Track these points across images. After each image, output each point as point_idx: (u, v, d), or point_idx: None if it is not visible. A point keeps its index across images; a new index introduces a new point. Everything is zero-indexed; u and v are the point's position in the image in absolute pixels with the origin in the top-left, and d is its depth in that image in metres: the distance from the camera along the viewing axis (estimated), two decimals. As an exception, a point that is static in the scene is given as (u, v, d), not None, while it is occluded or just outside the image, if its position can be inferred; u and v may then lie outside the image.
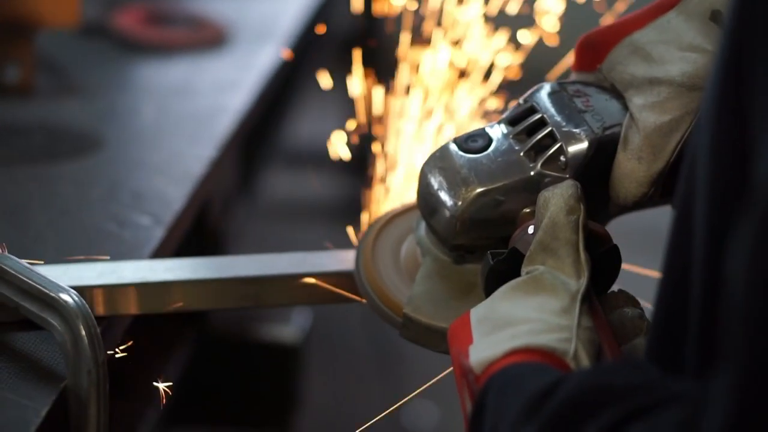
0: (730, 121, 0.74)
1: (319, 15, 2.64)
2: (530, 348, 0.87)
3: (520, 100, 1.10)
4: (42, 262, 1.17)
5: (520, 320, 0.89)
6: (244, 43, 2.18)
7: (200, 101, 1.86)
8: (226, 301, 1.16)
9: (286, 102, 2.56)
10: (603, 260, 0.98)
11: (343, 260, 1.17)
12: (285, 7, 2.46)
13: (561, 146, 1.05)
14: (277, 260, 1.18)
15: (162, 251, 1.34)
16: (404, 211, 1.17)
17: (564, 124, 1.05)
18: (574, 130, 1.05)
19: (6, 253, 1.10)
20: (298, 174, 3.81)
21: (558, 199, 0.97)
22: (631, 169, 1.05)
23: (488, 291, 0.97)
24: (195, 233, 1.71)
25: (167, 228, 1.37)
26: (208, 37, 2.17)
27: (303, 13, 2.44)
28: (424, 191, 1.07)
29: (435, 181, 1.06)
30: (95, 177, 1.53)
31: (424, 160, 1.08)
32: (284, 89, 2.48)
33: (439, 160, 1.07)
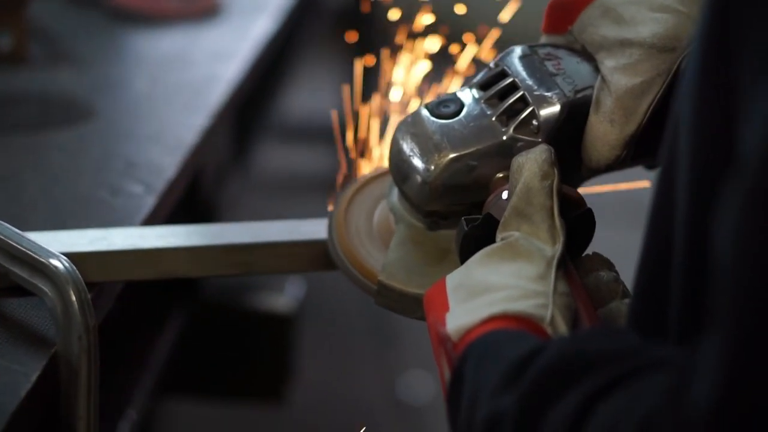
0: (714, 90, 0.74)
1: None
2: (507, 314, 0.87)
3: (491, 64, 1.09)
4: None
5: (496, 287, 0.89)
6: (237, 14, 2.18)
7: (193, 71, 1.85)
8: (217, 268, 1.15)
9: (280, 73, 2.55)
10: (577, 224, 0.98)
11: (335, 228, 1.17)
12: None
13: (533, 110, 1.04)
14: (268, 227, 1.18)
15: (153, 219, 1.34)
16: (375, 177, 1.16)
17: (536, 87, 1.05)
18: (546, 94, 1.05)
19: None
20: (291, 145, 3.81)
21: (532, 164, 0.96)
22: (604, 132, 1.04)
23: (463, 257, 0.97)
24: (187, 203, 1.71)
25: (159, 196, 1.37)
26: (202, 8, 2.16)
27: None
28: (396, 158, 1.06)
29: (407, 148, 1.05)
30: (88, 146, 1.53)
31: (396, 126, 1.07)
32: (278, 60, 2.47)
33: (410, 125, 1.06)
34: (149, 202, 1.35)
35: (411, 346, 2.93)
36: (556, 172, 0.96)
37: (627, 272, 0.93)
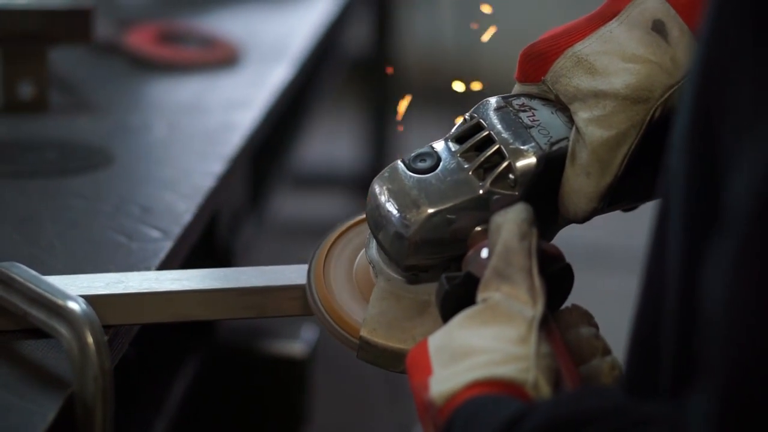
0: (702, 142, 0.75)
1: (331, 35, 2.66)
2: (490, 380, 0.87)
3: (466, 116, 1.09)
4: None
5: (478, 350, 0.89)
6: (255, 63, 2.21)
7: (210, 119, 1.88)
8: (231, 311, 1.17)
9: (296, 121, 2.58)
10: (556, 278, 0.98)
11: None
12: (297, 27, 2.48)
13: (509, 164, 1.04)
14: (282, 271, 1.19)
15: (170, 264, 1.36)
16: (353, 225, 1.16)
17: (511, 141, 1.05)
18: (522, 147, 1.05)
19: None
20: (306, 193, 3.83)
21: (510, 224, 0.95)
22: (580, 185, 1.05)
23: (445, 314, 0.97)
24: (203, 248, 1.73)
25: (175, 241, 1.39)
26: (220, 57, 2.19)
27: (315, 33, 2.46)
28: (375, 213, 1.07)
29: (384, 203, 1.06)
30: (105, 191, 1.56)
31: (373, 180, 1.07)
32: (295, 109, 2.50)
33: (387, 180, 1.06)
34: (165, 246, 1.38)
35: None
36: (534, 231, 0.95)
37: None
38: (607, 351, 0.97)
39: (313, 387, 2.05)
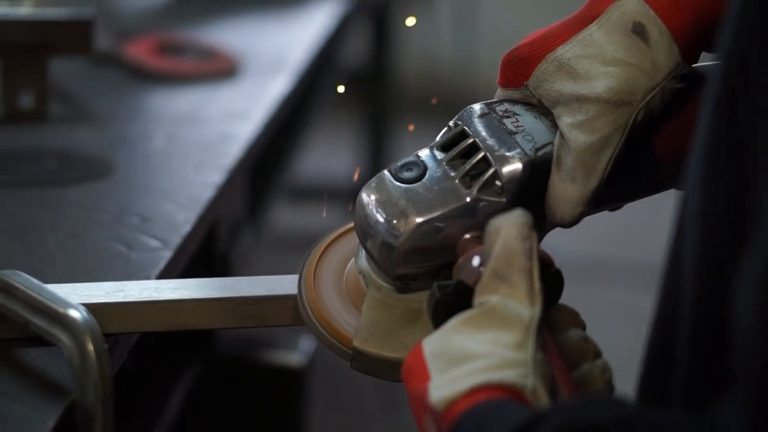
0: (726, 152, 0.75)
1: (329, 47, 2.67)
2: (490, 385, 0.87)
3: (450, 123, 1.10)
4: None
5: (475, 355, 0.89)
6: (254, 74, 2.22)
7: (209, 130, 1.89)
8: (230, 320, 1.18)
9: (294, 133, 2.59)
10: (548, 283, 0.98)
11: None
12: (296, 39, 2.50)
13: (495, 171, 1.05)
14: (281, 281, 1.20)
15: (169, 273, 1.37)
16: (342, 233, 1.17)
17: (497, 148, 1.06)
18: (507, 154, 1.05)
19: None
20: (303, 204, 3.84)
21: (510, 227, 0.95)
22: (566, 191, 1.05)
23: (437, 324, 0.97)
24: (202, 258, 1.74)
25: (174, 250, 1.40)
26: (219, 68, 2.20)
27: (313, 45, 2.47)
28: (363, 223, 1.07)
29: (373, 214, 1.06)
30: (105, 201, 1.57)
31: (360, 191, 1.08)
32: (293, 120, 2.51)
33: (375, 190, 1.07)
34: (165, 256, 1.38)
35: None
36: (534, 234, 0.95)
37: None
38: (597, 354, 0.98)
39: (310, 397, 2.06)
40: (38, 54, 1.87)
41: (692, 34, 1.04)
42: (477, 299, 0.94)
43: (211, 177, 1.66)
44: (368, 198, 1.07)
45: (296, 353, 1.97)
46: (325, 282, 1.14)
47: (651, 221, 2.72)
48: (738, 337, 0.68)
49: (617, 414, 0.77)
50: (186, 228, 1.47)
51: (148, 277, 1.33)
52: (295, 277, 1.19)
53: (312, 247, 1.17)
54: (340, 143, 3.97)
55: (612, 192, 1.08)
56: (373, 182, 1.08)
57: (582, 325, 1.00)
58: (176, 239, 1.43)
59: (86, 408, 1.06)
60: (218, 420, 1.93)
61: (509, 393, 0.86)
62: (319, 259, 1.15)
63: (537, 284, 0.93)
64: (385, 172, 1.08)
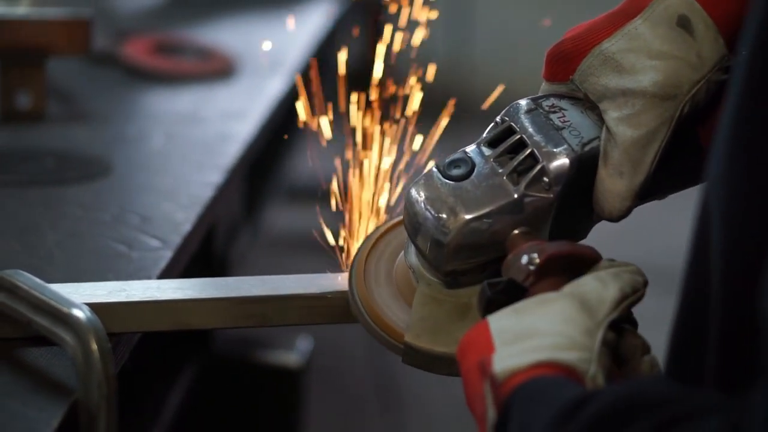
0: (745, 148, 0.75)
1: (326, 47, 2.68)
2: (554, 362, 0.88)
3: (497, 119, 1.10)
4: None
5: (544, 332, 0.90)
6: (251, 74, 2.22)
7: (207, 129, 1.89)
8: (233, 319, 1.18)
9: (292, 132, 2.59)
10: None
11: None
12: (293, 39, 2.50)
13: (543, 167, 1.05)
14: (283, 281, 1.20)
15: (169, 273, 1.37)
16: (391, 227, 1.17)
17: (543, 144, 1.06)
18: (554, 150, 1.06)
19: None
20: (301, 204, 3.84)
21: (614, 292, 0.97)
22: (614, 185, 1.05)
23: None
24: (200, 258, 1.74)
25: (175, 250, 1.40)
26: (217, 68, 2.21)
27: (311, 45, 2.47)
28: (413, 220, 1.08)
29: (422, 211, 1.07)
30: (104, 201, 1.57)
31: (409, 188, 1.08)
32: (290, 119, 2.51)
33: (423, 188, 1.07)
34: (165, 255, 1.38)
35: (417, 406, 2.94)
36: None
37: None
38: (646, 349, 0.98)
39: (308, 397, 2.06)
40: (36, 54, 1.87)
41: (736, 25, 1.03)
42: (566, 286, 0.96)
43: (210, 176, 1.66)
44: (417, 195, 1.07)
45: (294, 353, 1.97)
46: (376, 277, 1.14)
47: (651, 222, 2.72)
48: (766, 332, 0.69)
49: (662, 392, 0.78)
50: (186, 228, 1.47)
51: (148, 277, 1.33)
52: (297, 277, 1.20)
53: (363, 241, 1.17)
54: (338, 142, 3.97)
55: (659, 184, 1.08)
56: (421, 179, 1.08)
57: (634, 323, 1.00)
58: (176, 239, 1.43)
59: (90, 407, 1.06)
60: (216, 419, 1.93)
61: (570, 374, 0.88)
62: (368, 254, 1.16)
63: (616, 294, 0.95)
64: (434, 169, 1.08)
